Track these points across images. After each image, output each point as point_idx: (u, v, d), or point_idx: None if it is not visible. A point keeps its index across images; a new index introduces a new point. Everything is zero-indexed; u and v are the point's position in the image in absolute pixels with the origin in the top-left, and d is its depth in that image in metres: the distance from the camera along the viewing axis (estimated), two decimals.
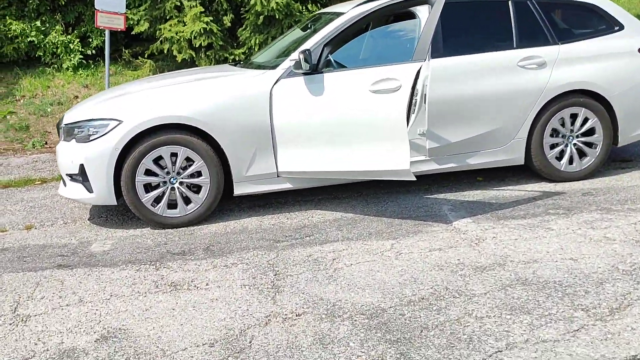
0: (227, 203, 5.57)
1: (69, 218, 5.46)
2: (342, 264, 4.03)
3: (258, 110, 4.99)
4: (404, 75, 4.56)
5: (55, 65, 10.83)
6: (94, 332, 3.32)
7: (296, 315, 3.36)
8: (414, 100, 4.71)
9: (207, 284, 3.85)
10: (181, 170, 5.01)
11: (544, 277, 3.66)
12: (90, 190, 4.95)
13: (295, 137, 4.97)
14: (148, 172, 4.96)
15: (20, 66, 10.90)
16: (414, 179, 4.51)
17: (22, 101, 10.10)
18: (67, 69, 10.74)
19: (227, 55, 9.84)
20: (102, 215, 5.48)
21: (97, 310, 3.58)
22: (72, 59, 10.63)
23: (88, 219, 5.42)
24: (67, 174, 5.11)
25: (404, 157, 4.44)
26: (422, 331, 3.11)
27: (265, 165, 5.08)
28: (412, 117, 4.82)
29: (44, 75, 10.73)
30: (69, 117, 5.23)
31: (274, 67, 5.15)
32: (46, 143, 8.87)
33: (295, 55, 5.01)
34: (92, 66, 10.90)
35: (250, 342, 3.11)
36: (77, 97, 10.14)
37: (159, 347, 3.12)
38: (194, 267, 4.16)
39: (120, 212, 5.53)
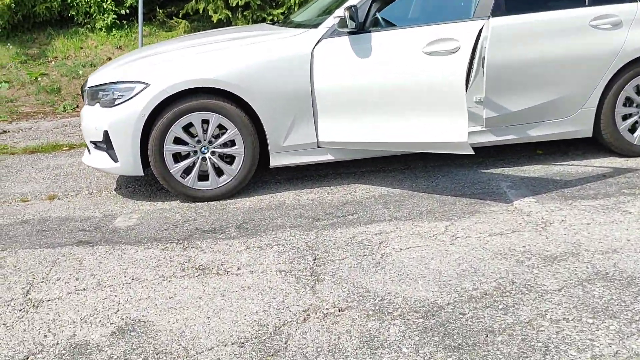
0: (262, 175, 5.13)
1: (95, 188, 5.10)
2: (390, 248, 3.57)
3: (297, 73, 4.51)
4: (464, 35, 4.01)
5: (89, 26, 10.45)
6: (111, 324, 2.94)
7: (339, 311, 2.92)
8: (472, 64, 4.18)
9: (238, 268, 3.43)
10: (213, 139, 4.58)
11: (628, 271, 3.15)
12: (115, 159, 4.56)
13: (338, 103, 4.49)
14: (177, 141, 4.54)
15: (53, 26, 10.56)
16: (472, 152, 3.99)
17: (54, 62, 9.77)
18: (101, 29, 10.37)
19: (265, 15, 9.33)
20: (130, 186, 5.10)
21: (116, 296, 3.20)
22: (105, 19, 10.24)
23: (114, 190, 5.05)
24: (90, 141, 4.72)
25: (462, 128, 3.93)
26: (487, 336, 2.65)
27: (305, 134, 4.62)
28: (470, 82, 4.29)
29: (76, 36, 10.37)
30: (94, 79, 4.82)
31: (315, 26, 4.64)
32: (77, 106, 8.53)
33: (339, 12, 4.49)
34: (126, 27, 10.50)
35: (286, 343, 2.69)
36: (110, 58, 9.77)
37: (182, 345, 2.71)
38: (225, 247, 3.75)
39: (149, 182, 5.14)
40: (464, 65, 3.91)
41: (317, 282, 3.21)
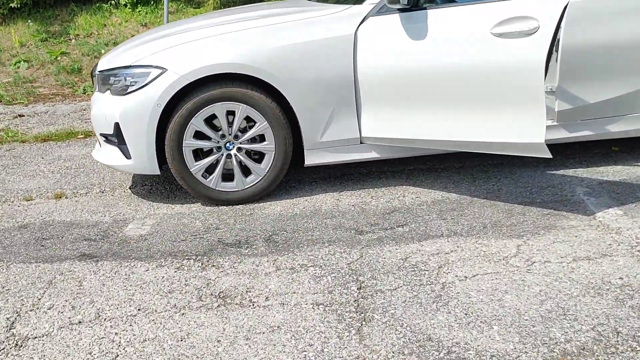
0: (295, 173, 4.50)
1: (108, 185, 4.52)
2: (452, 275, 2.91)
3: (338, 57, 3.85)
4: (544, 13, 3.29)
5: (113, 2, 9.87)
6: None
7: None
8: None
9: (267, 298, 2.81)
10: (239, 134, 3.95)
11: None
12: (127, 155, 3.96)
13: (386, 93, 3.82)
14: (198, 135, 3.93)
15: (76, 2, 10.00)
16: (549, 155, 3.30)
17: (75, 40, 9.21)
18: (125, 5, 9.77)
19: None
20: (147, 183, 4.51)
21: (116, 334, 2.60)
22: None
23: (129, 188, 4.46)
24: (101, 134, 4.13)
25: (539, 126, 3.23)
26: None
27: (346, 128, 3.96)
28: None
29: (100, 13, 9.80)
30: (105, 62, 4.22)
31: (360, 2, 3.96)
32: None
33: None
34: (152, 3, 9.89)
35: None
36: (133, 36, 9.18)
37: None
38: (251, 267, 3.13)
39: (168, 180, 4.54)
40: (545, 51, 3.20)
41: (364, 323, 2.57)
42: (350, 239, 3.39)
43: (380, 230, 3.48)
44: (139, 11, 9.74)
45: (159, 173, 3.96)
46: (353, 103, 3.92)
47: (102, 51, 8.68)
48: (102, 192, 4.40)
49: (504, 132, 3.37)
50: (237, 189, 4.00)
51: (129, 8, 9.73)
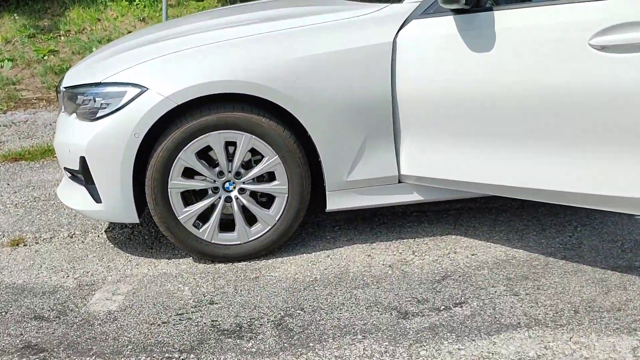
0: (313, 213, 3.57)
1: (79, 227, 3.60)
2: None
3: (372, 72, 2.92)
4: None
5: None
6: None
7: None
8: None
9: None
10: (242, 170, 3.04)
11: None
12: (97, 198, 3.05)
13: (434, 120, 2.90)
14: (188, 173, 3.01)
15: None
16: None
17: (65, 37, 8.30)
18: None
19: None
20: (127, 226, 3.60)
21: None
22: None
23: (105, 231, 3.55)
24: (65, 168, 3.23)
25: None
26: None
27: (380, 164, 3.04)
28: None
29: (94, 6, 8.87)
30: (72, 76, 3.30)
31: (399, 0, 3.04)
32: None
33: None
34: None
35: None
36: (131, 32, 8.26)
37: None
38: None
39: (154, 223, 3.64)
40: None
41: None
42: (392, 326, 2.47)
43: (432, 311, 2.56)
44: (137, 4, 8.81)
45: (138, 221, 3.05)
46: (390, 132, 3.00)
47: (94, 49, 7.77)
48: (71, 238, 3.49)
49: (609, 182, 2.44)
50: (238, 242, 3.09)
51: (126, 1, 8.81)
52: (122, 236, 3.47)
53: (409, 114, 2.96)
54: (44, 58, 7.80)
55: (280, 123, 2.98)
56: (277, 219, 3.07)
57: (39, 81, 7.42)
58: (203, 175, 3.01)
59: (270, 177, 3.08)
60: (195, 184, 3.02)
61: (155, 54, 3.02)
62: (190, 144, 2.94)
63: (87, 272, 3.09)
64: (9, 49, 8.10)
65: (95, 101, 2.98)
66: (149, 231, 3.50)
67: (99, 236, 3.49)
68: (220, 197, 3.05)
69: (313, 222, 3.48)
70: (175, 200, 3.00)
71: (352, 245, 3.21)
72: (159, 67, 2.96)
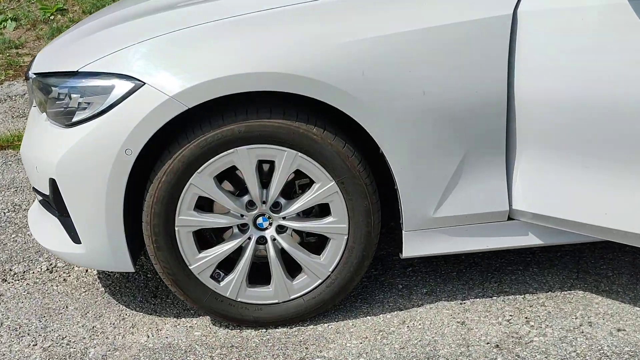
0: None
1: (60, 261, 2.71)
2: None
3: (479, 60, 1.94)
4: None
5: None
6: None
7: None
8: None
9: None
10: (282, 201, 2.10)
11: None
12: (74, 237, 2.14)
13: (573, 134, 1.93)
14: (204, 204, 2.11)
15: None
16: None
17: None
18: None
19: None
20: None
21: None
22: None
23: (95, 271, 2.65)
24: (34, 188, 2.32)
25: None
26: None
27: (484, 193, 2.08)
28: None
29: None
30: (45, 58, 2.36)
31: None
32: None
33: None
34: None
35: None
36: None
37: None
38: None
39: None
40: None
41: None
42: None
43: None
44: None
45: (133, 269, 2.15)
46: (502, 148, 2.03)
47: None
48: (50, 273, 2.60)
49: None
50: (275, 301, 2.17)
51: None
52: (117, 275, 2.57)
53: (531, 123, 1.99)
54: (51, 18, 6.88)
55: (339, 135, 2.03)
56: (331, 269, 2.14)
57: (44, 44, 6.51)
58: (226, 208, 2.09)
59: (322, 211, 2.14)
60: (215, 221, 2.10)
61: (157, 29, 2.06)
62: (207, 163, 2.00)
63: (63, 338, 2.20)
64: (13, 7, 7.19)
65: (71, 98, 2.05)
66: (153, 269, 2.60)
67: (86, 272, 2.60)
68: (250, 238, 2.13)
69: (375, 258, 2.54)
70: (186, 243, 2.09)
71: (436, 302, 2.28)
72: (161, 51, 2.01)
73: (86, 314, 2.33)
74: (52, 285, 2.51)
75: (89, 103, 2.02)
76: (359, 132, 2.03)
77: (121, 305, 2.36)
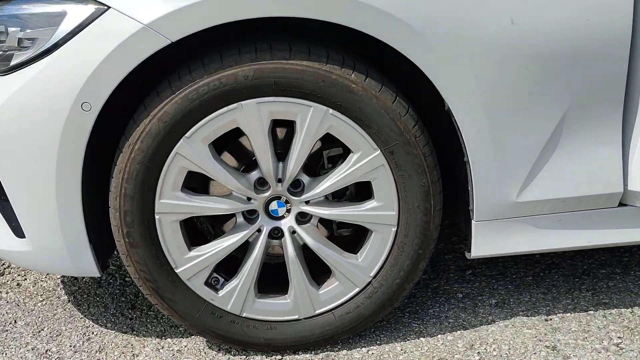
0: None
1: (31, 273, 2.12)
2: None
3: None
4: None
5: None
6: None
7: None
8: None
9: None
10: (304, 178, 1.51)
11: None
12: (17, 230, 1.55)
13: None
14: (195, 183, 1.52)
15: None
16: None
17: None
18: None
19: None
20: (114, 262, 2.10)
21: None
22: None
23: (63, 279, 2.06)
24: None
25: None
26: None
27: (590, 170, 1.48)
28: None
29: None
30: None
31: None
32: None
33: None
34: None
35: None
36: None
37: None
38: None
39: None
40: None
41: None
42: None
43: None
44: None
45: (99, 274, 1.55)
46: (617, 107, 1.44)
47: None
48: (0, 274, 2.02)
49: None
50: (295, 317, 1.57)
51: None
52: (86, 278, 1.97)
53: None
54: None
55: (386, 85, 1.42)
56: (372, 274, 1.54)
57: None
58: (227, 188, 1.49)
59: (361, 193, 1.55)
60: (212, 206, 1.49)
61: None
62: (199, 125, 1.40)
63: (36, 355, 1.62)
64: None
65: (7, 34, 1.45)
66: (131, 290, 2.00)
67: (47, 276, 2.00)
68: (260, 230, 1.53)
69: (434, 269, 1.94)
70: (171, 237, 1.49)
71: (512, 318, 1.68)
72: None
73: (40, 332, 1.73)
74: (18, 301, 1.90)
75: (32, 39, 1.41)
76: (414, 84, 1.43)
77: (87, 320, 1.77)
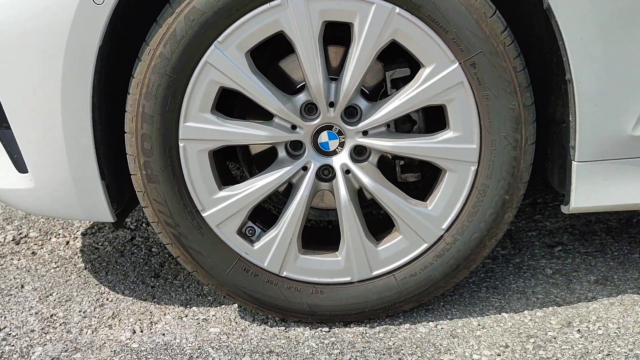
0: None
1: (34, 229, 1.85)
2: None
3: None
4: None
5: None
6: None
7: None
8: None
9: None
10: (362, 103, 1.19)
11: None
12: (19, 163, 1.27)
13: None
14: (227, 104, 1.23)
15: None
16: None
17: None
18: None
19: None
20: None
21: None
22: None
23: (78, 243, 1.78)
24: None
25: None
26: None
27: None
28: None
29: None
30: None
31: None
32: None
33: None
34: None
35: None
36: None
37: None
38: None
39: None
40: None
41: None
42: None
43: None
44: None
45: (112, 219, 1.26)
46: None
47: None
48: (17, 243, 1.74)
49: None
50: (347, 279, 1.24)
51: None
52: (107, 247, 1.68)
53: None
54: None
55: None
56: (445, 225, 1.20)
57: None
58: (268, 110, 1.18)
59: (431, 122, 1.23)
60: (248, 132, 1.19)
61: None
62: (234, 26, 1.11)
63: (17, 328, 1.33)
64: None
65: None
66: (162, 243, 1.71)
67: (67, 245, 1.71)
68: (306, 168, 1.22)
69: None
70: (198, 172, 1.19)
71: (619, 295, 1.31)
72: None
73: (47, 296, 1.44)
74: (11, 260, 1.64)
75: None
76: None
77: (102, 287, 1.47)
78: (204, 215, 1.20)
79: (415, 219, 1.20)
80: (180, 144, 1.17)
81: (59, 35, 1.12)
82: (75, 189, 1.22)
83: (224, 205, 1.20)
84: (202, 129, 1.17)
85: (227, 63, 1.13)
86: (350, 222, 1.22)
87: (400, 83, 1.21)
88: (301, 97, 1.19)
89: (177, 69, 1.13)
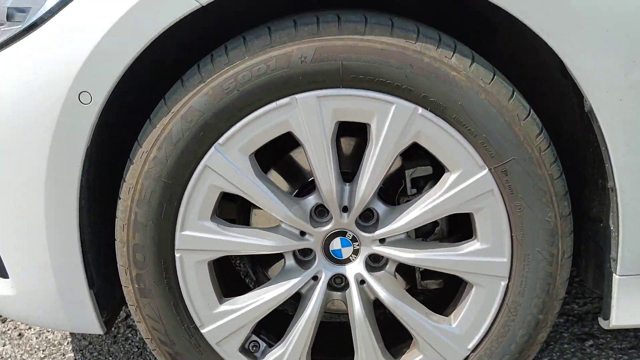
0: None
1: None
2: None
3: None
4: None
5: None
6: None
7: None
8: None
9: None
10: (379, 207, 1.06)
11: None
12: (1, 271, 1.15)
13: None
14: (228, 209, 1.11)
15: None
16: None
17: None
18: None
19: None
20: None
21: None
22: None
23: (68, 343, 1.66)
24: None
25: None
26: None
27: None
28: None
29: None
30: None
31: None
32: None
33: None
34: None
35: None
36: None
37: None
38: None
39: None
40: None
41: None
42: None
43: None
44: None
45: (102, 331, 1.13)
46: None
47: None
48: (2, 322, 1.62)
49: None
50: None
51: None
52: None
53: None
54: None
55: (499, 76, 0.98)
56: (471, 345, 1.07)
57: None
58: (274, 218, 1.05)
59: (455, 230, 1.10)
60: (253, 242, 1.05)
61: None
62: (236, 127, 0.98)
63: None
64: None
65: None
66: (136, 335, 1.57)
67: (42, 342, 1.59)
68: (316, 278, 1.08)
69: None
70: (196, 284, 1.05)
71: None
72: None
73: None
74: None
75: (23, 10, 1.03)
76: (543, 76, 0.99)
77: None
78: (202, 332, 1.07)
79: (438, 337, 1.07)
80: (177, 255, 1.04)
81: (42, 137, 0.99)
82: (61, 298, 1.09)
83: (225, 321, 1.07)
84: (201, 239, 1.04)
85: (228, 167, 1.00)
86: (365, 340, 1.08)
87: (421, 181, 1.09)
88: (311, 200, 1.06)
89: (174, 174, 1.00)
